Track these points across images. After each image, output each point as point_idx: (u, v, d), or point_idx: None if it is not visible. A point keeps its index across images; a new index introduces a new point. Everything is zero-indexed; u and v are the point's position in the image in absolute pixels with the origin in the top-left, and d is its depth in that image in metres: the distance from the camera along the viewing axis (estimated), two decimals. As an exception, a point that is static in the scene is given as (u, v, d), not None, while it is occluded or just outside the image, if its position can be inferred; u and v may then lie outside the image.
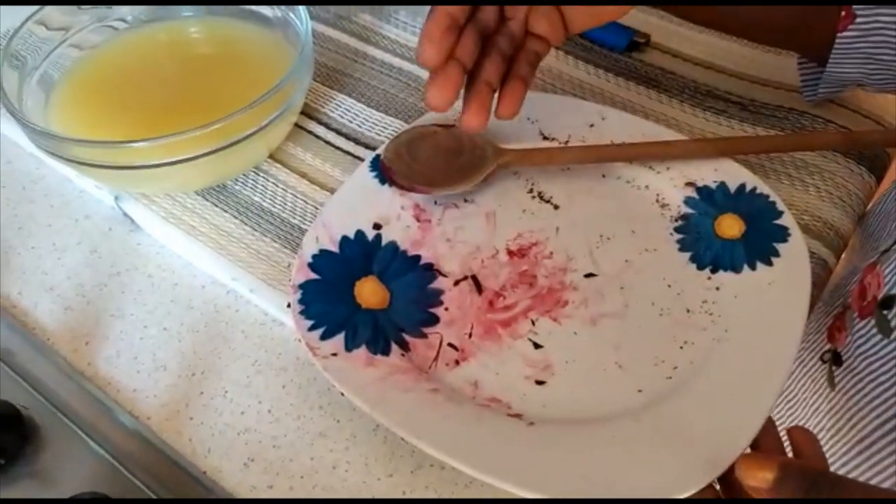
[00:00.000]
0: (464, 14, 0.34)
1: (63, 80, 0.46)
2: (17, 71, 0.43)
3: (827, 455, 0.39)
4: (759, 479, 0.27)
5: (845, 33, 0.40)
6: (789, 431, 0.31)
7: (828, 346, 0.40)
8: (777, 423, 0.32)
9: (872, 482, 0.37)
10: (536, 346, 0.36)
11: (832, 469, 0.39)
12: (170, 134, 0.38)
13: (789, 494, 0.26)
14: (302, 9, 0.43)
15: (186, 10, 0.49)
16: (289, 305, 0.36)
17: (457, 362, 0.35)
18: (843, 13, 0.40)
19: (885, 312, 0.35)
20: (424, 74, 0.50)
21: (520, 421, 0.33)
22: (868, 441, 0.36)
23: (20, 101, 0.42)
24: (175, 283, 0.41)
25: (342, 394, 0.33)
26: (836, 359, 0.39)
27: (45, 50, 0.45)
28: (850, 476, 0.38)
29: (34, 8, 0.45)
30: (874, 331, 0.36)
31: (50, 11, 0.46)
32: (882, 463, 0.36)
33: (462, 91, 0.35)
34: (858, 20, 0.39)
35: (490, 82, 0.35)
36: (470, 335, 0.36)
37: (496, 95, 0.36)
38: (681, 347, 0.35)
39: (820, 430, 0.40)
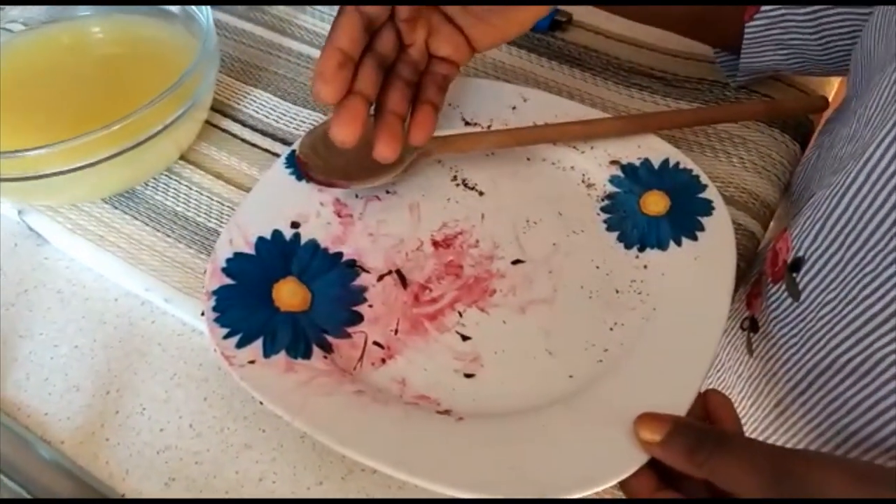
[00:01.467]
0: (357, 47, 0.34)
1: (-46, 88, 0.43)
2: None
3: (746, 419, 0.40)
4: (652, 432, 0.28)
5: (752, 23, 0.41)
6: (705, 395, 0.31)
7: (746, 314, 0.40)
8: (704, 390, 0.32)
9: (787, 444, 0.37)
10: (464, 338, 0.35)
11: (750, 433, 0.40)
12: (69, 138, 0.36)
13: (677, 449, 0.28)
14: None
15: (84, 10, 0.46)
16: (203, 314, 0.34)
17: (383, 361, 0.34)
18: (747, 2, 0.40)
19: (794, 275, 0.35)
20: (343, 64, 0.48)
21: (449, 417, 0.32)
22: (783, 405, 0.37)
23: None
24: (86, 297, 0.39)
25: (261, 403, 0.32)
26: (752, 325, 0.39)
27: (-68, 57, 0.43)
28: (769, 440, 0.38)
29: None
30: (785, 295, 0.36)
31: (-66, 16, 0.43)
32: (796, 426, 0.36)
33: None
34: (764, 8, 0.40)
35: (396, 111, 0.36)
36: (395, 332, 0.35)
37: (407, 122, 0.36)
38: (611, 329, 0.35)
39: (741, 395, 0.40)
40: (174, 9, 0.45)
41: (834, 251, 0.33)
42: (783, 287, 0.36)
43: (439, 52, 0.38)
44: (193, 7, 0.42)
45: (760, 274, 0.40)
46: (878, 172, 0.30)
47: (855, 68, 0.38)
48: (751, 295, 0.41)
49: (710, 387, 0.39)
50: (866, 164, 0.31)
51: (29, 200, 0.41)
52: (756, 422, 0.39)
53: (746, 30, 0.41)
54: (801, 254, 0.35)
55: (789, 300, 0.35)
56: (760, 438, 0.39)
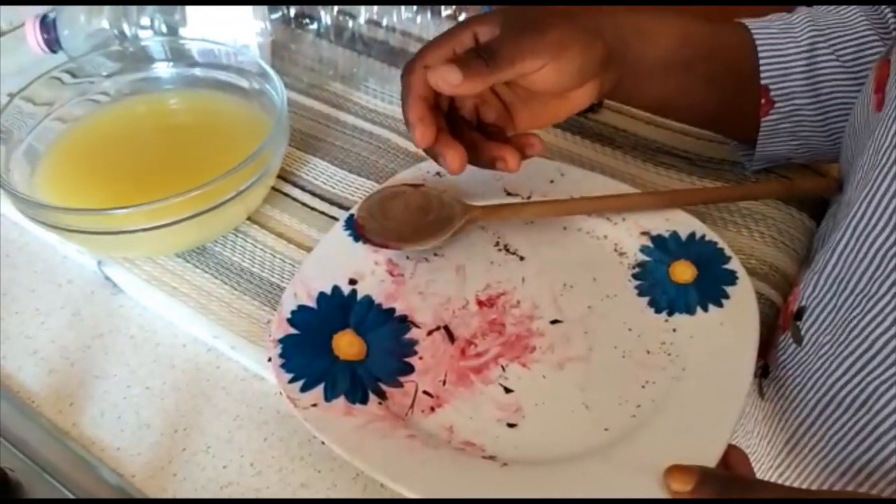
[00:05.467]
0: (432, 96, 0.40)
1: (47, 151, 0.48)
2: (4, 144, 0.45)
3: (760, 459, 0.44)
4: (682, 483, 0.31)
5: (767, 118, 0.45)
6: (726, 450, 0.33)
7: (759, 362, 0.43)
8: None
9: (800, 482, 0.40)
10: (507, 390, 0.38)
11: (766, 470, 0.43)
12: (152, 201, 0.40)
13: (707, 495, 0.30)
14: (277, 80, 0.46)
15: (167, 84, 0.52)
16: (270, 360, 0.37)
17: (432, 409, 0.37)
18: (762, 101, 0.45)
19: (797, 323, 0.39)
20: (393, 138, 0.54)
21: (494, 463, 0.34)
22: (793, 442, 0.40)
23: (7, 172, 0.44)
24: (157, 343, 0.42)
25: (323, 443, 0.34)
26: (764, 371, 0.43)
27: (31, 124, 0.48)
28: (781, 478, 0.41)
29: (20, 82, 0.47)
30: (790, 341, 0.40)
31: (36, 88, 0.48)
32: (806, 459, 0.39)
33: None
34: (777, 105, 0.45)
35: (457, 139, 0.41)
36: (444, 382, 0.38)
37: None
38: (643, 387, 0.37)
39: (757, 436, 0.44)
40: (247, 86, 0.50)
41: (829, 299, 0.38)
42: (789, 334, 0.40)
43: (487, 119, 0.43)
44: (266, 84, 0.47)
45: (775, 328, 0.43)
46: (861, 227, 0.36)
47: (846, 142, 0.43)
48: (765, 345, 0.44)
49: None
50: (852, 221, 0.36)
51: (109, 253, 0.45)
52: (770, 459, 0.42)
53: (762, 125, 0.46)
54: (803, 303, 0.39)
55: (794, 345, 0.39)
56: (775, 474, 0.42)
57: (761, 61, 0.44)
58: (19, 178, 0.45)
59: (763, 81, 0.45)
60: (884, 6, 0.44)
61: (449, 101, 0.42)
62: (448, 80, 0.37)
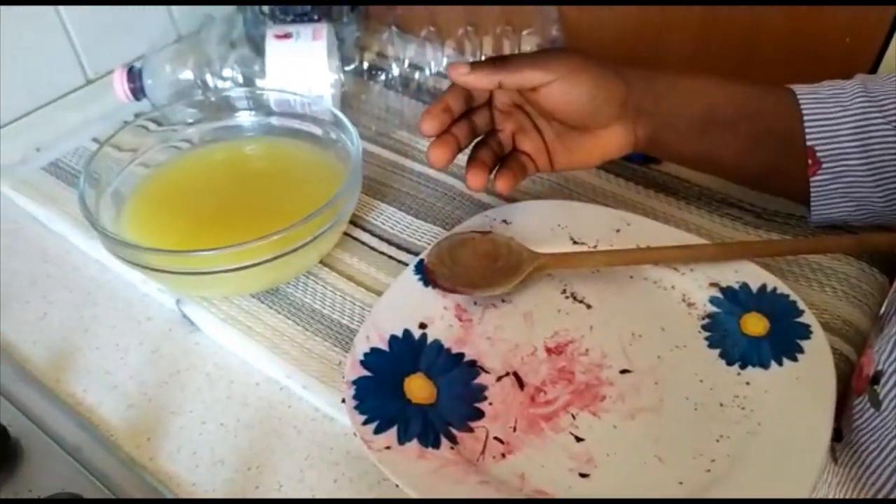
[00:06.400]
0: (459, 106, 0.44)
1: (131, 195, 0.50)
2: (94, 188, 0.47)
3: None
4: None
5: (816, 178, 0.45)
6: None
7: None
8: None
9: None
10: (578, 439, 0.37)
11: None
12: (233, 244, 0.41)
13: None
14: (353, 130, 0.48)
15: (245, 132, 0.54)
16: (343, 401, 0.38)
17: (503, 455, 0.37)
18: (810, 161, 0.45)
19: (874, 387, 0.38)
20: (458, 185, 0.55)
21: (567, 512, 0.34)
22: None
23: (97, 214, 0.46)
24: (231, 380, 0.44)
25: (397, 485, 0.35)
26: (836, 435, 0.41)
27: (117, 169, 0.50)
28: None
29: (104, 127, 0.50)
30: (868, 405, 0.38)
31: (123, 135, 0.50)
32: None
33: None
34: (825, 165, 0.45)
35: (485, 161, 0.45)
36: (514, 429, 0.38)
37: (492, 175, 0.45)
38: (717, 441, 0.37)
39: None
40: (322, 134, 0.52)
41: None
42: (866, 398, 0.39)
43: (522, 147, 0.46)
44: (342, 134, 0.49)
45: (846, 388, 0.42)
46: None
47: None
48: (837, 408, 0.43)
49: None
50: None
51: (188, 292, 0.47)
52: None
53: (812, 183, 0.45)
54: (880, 367, 0.38)
55: (871, 410, 0.38)
56: None
57: (806, 122, 0.44)
58: (107, 219, 0.47)
59: (809, 142, 0.45)
60: None
61: (489, 122, 0.46)
62: (458, 71, 0.42)
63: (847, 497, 0.41)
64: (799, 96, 0.45)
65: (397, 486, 0.35)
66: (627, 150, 0.46)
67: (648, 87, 0.45)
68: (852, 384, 0.41)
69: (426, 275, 0.44)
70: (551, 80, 0.42)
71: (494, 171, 0.45)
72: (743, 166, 0.47)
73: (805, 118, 0.45)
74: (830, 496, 0.42)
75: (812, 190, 0.46)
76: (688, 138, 0.46)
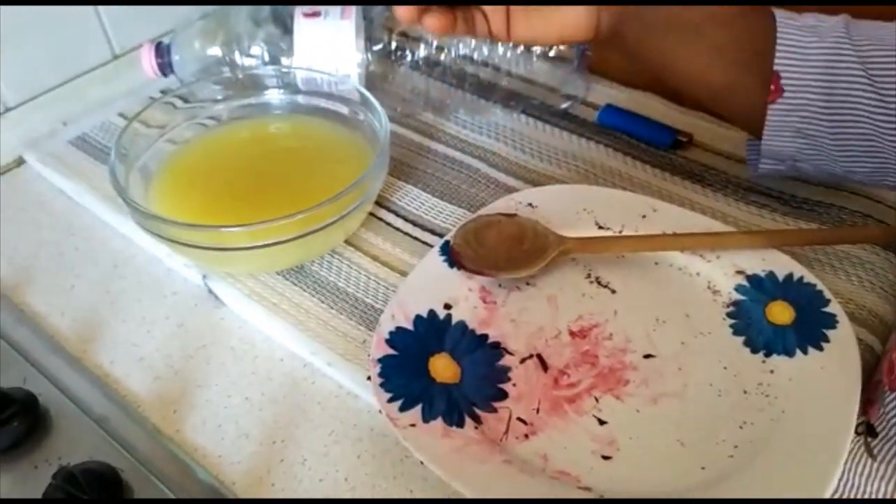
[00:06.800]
0: None
1: (159, 171, 0.51)
2: (123, 163, 0.48)
3: None
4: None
5: (775, 106, 0.43)
6: None
7: (861, 419, 0.41)
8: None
9: None
10: (601, 422, 0.38)
11: None
12: (260, 221, 0.42)
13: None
14: (381, 110, 0.48)
15: (272, 110, 0.54)
16: (369, 378, 0.38)
17: (526, 436, 0.37)
18: (772, 87, 0.43)
19: None
20: (483, 167, 0.55)
21: (589, 494, 0.34)
22: None
23: (126, 188, 0.46)
24: (256, 356, 0.44)
25: (422, 463, 0.35)
26: (870, 430, 0.41)
27: (145, 145, 0.50)
28: None
29: (130, 103, 0.50)
30: None
31: (151, 111, 0.51)
32: None
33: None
34: (786, 95, 0.43)
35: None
36: (537, 410, 0.38)
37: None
38: (740, 427, 0.37)
39: (873, 496, 0.41)
40: (349, 114, 0.52)
41: None
42: None
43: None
44: (370, 114, 0.49)
45: (877, 382, 0.42)
46: None
47: None
48: (866, 402, 0.42)
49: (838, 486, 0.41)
50: None
51: (214, 267, 0.47)
52: None
53: (769, 111, 0.44)
54: None
55: None
56: None
57: (778, 45, 0.43)
58: (135, 194, 0.47)
59: (777, 67, 0.43)
60: None
61: None
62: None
63: (890, 492, 0.40)
64: (778, 18, 0.44)
65: (422, 463, 0.35)
66: (587, 35, 0.46)
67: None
68: (883, 378, 0.40)
69: (452, 256, 0.44)
70: None
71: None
72: (702, 77, 0.46)
73: (778, 40, 0.43)
74: (869, 491, 0.41)
75: (768, 118, 0.44)
76: (651, 35, 0.46)
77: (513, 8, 0.46)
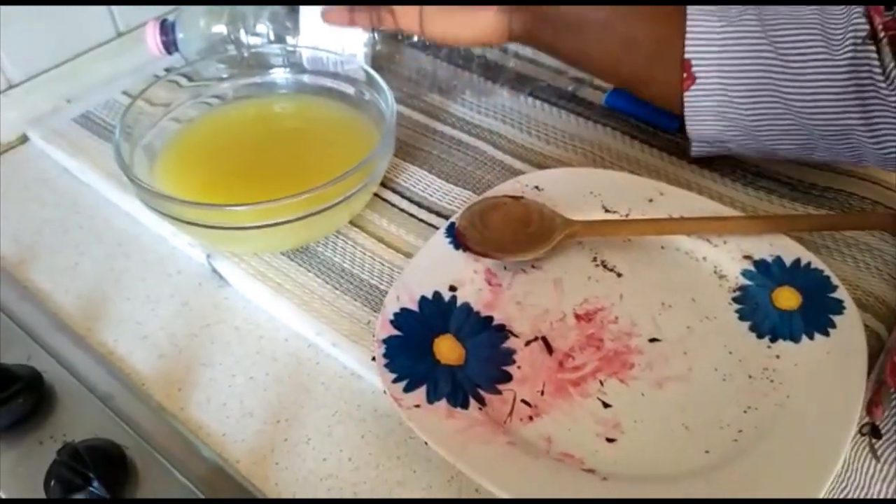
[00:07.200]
0: None
1: (163, 149, 0.50)
2: (127, 141, 0.47)
3: None
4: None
5: (690, 93, 0.44)
6: None
7: (866, 420, 0.41)
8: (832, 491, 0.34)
9: None
10: (605, 405, 0.38)
11: None
12: (265, 200, 0.42)
13: None
14: (388, 91, 0.47)
15: (277, 89, 0.54)
16: (373, 359, 0.38)
17: (530, 418, 0.37)
18: (685, 75, 0.44)
19: None
20: (489, 150, 0.54)
21: (593, 476, 0.34)
22: None
23: (130, 165, 0.46)
24: (260, 335, 0.44)
25: (426, 443, 0.35)
26: (874, 432, 0.41)
27: (149, 123, 0.50)
28: None
29: (135, 81, 0.50)
30: None
31: (155, 89, 0.50)
32: None
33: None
34: (699, 81, 0.44)
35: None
36: (542, 392, 0.38)
37: None
38: (744, 412, 0.37)
39: (878, 496, 0.41)
40: (354, 95, 0.51)
41: None
42: None
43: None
44: (375, 94, 0.49)
45: (880, 384, 0.41)
46: None
47: None
48: (871, 403, 0.42)
49: (841, 487, 0.41)
50: None
51: (219, 247, 0.47)
52: None
53: (686, 98, 0.45)
54: None
55: None
56: None
57: (687, 34, 0.43)
58: (140, 171, 0.47)
59: (686, 55, 0.44)
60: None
61: None
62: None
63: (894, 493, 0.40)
64: (687, 9, 0.44)
65: (426, 443, 0.35)
66: (500, 38, 0.49)
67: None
68: (887, 380, 0.40)
69: (457, 238, 0.44)
70: None
71: None
72: (617, 71, 0.48)
73: (687, 29, 0.44)
74: (874, 492, 0.41)
75: (685, 105, 0.45)
76: (563, 35, 0.47)
77: (425, 8, 0.48)
